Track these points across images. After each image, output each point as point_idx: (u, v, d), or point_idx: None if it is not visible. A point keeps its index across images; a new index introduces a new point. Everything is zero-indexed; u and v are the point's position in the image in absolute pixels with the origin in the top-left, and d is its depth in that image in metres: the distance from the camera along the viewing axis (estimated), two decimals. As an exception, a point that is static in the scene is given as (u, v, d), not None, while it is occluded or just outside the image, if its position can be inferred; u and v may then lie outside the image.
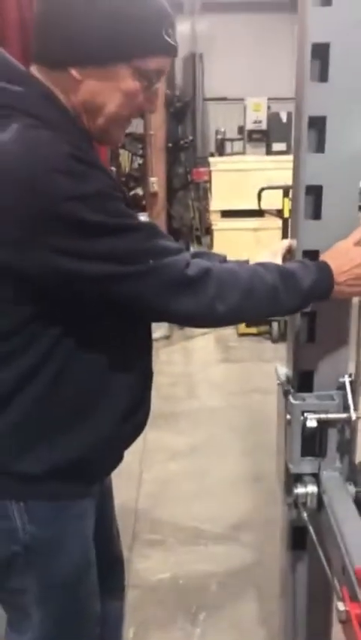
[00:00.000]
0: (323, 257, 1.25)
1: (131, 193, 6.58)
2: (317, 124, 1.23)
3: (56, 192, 0.97)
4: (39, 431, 1.16)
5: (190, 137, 7.22)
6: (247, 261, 1.38)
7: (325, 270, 1.20)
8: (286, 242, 1.40)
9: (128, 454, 1.33)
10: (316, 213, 1.29)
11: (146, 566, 2.48)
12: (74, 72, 1.06)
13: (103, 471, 1.33)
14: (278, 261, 1.37)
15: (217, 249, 5.43)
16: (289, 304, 1.20)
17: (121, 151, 7.52)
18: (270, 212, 5.06)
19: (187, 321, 1.20)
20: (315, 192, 1.28)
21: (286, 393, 1.39)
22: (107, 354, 1.17)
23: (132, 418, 1.26)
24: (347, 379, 1.35)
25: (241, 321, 1.21)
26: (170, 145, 6.15)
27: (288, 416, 1.35)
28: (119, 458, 1.32)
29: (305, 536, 1.47)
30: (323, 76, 1.20)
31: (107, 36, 1.04)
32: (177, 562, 2.51)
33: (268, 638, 2.08)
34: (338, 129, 1.22)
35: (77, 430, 1.18)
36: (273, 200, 4.79)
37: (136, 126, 5.67)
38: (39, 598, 1.23)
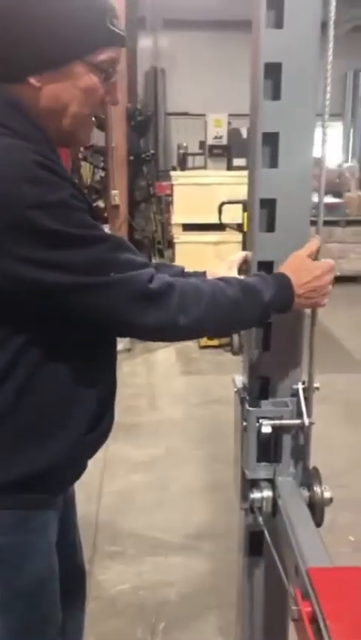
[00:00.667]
0: (281, 269, 1.27)
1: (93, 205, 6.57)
2: (271, 140, 1.28)
3: (20, 200, 0.98)
4: (3, 442, 1.17)
5: (152, 151, 7.28)
6: (204, 273, 1.42)
7: (284, 283, 1.23)
8: (243, 254, 1.45)
9: (89, 466, 1.34)
10: (270, 226, 1.34)
11: (106, 578, 2.47)
12: (32, 80, 1.09)
13: (67, 481, 1.34)
14: (234, 272, 1.41)
15: (179, 261, 5.46)
16: (250, 317, 1.24)
17: (82, 163, 7.53)
18: (230, 226, 5.14)
19: (150, 335, 1.20)
20: (269, 206, 1.32)
21: (242, 401, 1.42)
22: (74, 364, 1.18)
23: (97, 428, 1.27)
24: (300, 386, 1.39)
25: (204, 334, 1.22)
26: (132, 158, 6.19)
27: (244, 423, 1.39)
28: (83, 468, 1.33)
29: (262, 542, 1.51)
30: (275, 94, 1.25)
31: (55, 38, 1.06)
32: (137, 573, 2.51)
33: (227, 645, 2.09)
34: (290, 145, 1.27)
35: (43, 441, 1.19)
36: (233, 214, 4.86)
37: (97, 139, 5.69)
38: (1, 606, 1.23)
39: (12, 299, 1.06)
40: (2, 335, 1.10)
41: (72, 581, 1.49)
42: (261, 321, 1.28)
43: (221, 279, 1.22)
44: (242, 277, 1.28)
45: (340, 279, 6.20)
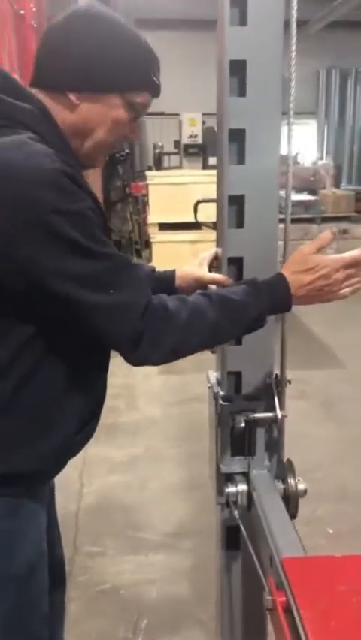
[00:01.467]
0: (284, 268, 1.23)
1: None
2: (237, 137, 1.29)
3: (43, 204, 1.02)
4: None
5: (127, 150, 7.26)
6: (173, 271, 1.43)
7: (279, 290, 1.20)
8: (213, 250, 1.46)
9: (69, 468, 1.35)
10: (239, 222, 1.35)
11: (87, 578, 2.47)
12: (72, 96, 1.16)
13: (52, 475, 1.37)
14: (204, 269, 1.43)
15: (156, 261, 5.47)
16: (234, 334, 1.26)
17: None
18: (206, 225, 5.15)
19: (132, 363, 1.18)
20: (238, 202, 1.33)
21: (216, 396, 1.43)
22: (73, 363, 1.21)
23: (86, 427, 1.30)
24: (272, 380, 1.41)
25: (181, 357, 1.19)
26: (106, 158, 6.17)
27: (218, 418, 1.40)
28: (66, 463, 1.35)
29: (238, 536, 1.52)
30: (241, 91, 1.26)
31: (106, 68, 1.16)
32: (118, 572, 2.51)
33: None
34: (256, 141, 1.28)
35: (36, 437, 1.21)
36: (209, 212, 4.87)
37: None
38: None
39: (18, 294, 1.09)
40: (7, 327, 1.13)
41: (53, 573, 1.51)
42: (251, 331, 1.26)
43: (205, 296, 1.19)
44: (228, 291, 1.23)
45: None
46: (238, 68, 1.24)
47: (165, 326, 1.12)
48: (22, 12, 3.59)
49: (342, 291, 1.21)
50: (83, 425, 1.28)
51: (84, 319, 1.10)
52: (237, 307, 1.18)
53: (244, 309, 1.18)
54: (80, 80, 1.15)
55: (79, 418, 1.26)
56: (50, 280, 1.05)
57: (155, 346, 1.12)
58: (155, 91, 1.23)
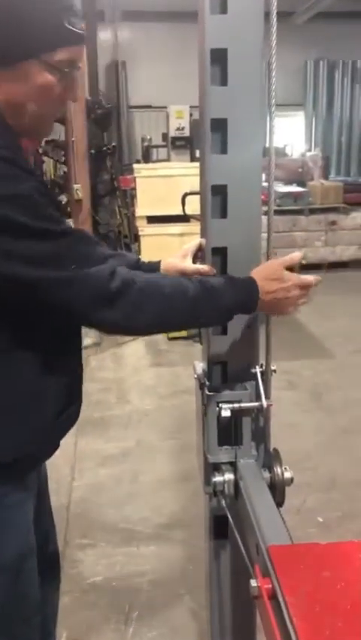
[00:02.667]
0: (253, 273, 1.29)
1: (57, 200, 6.48)
2: (220, 126, 1.28)
3: None
4: None
5: (113, 144, 7.23)
6: (158, 262, 1.44)
7: (251, 290, 1.25)
8: (197, 241, 1.46)
9: (60, 461, 1.35)
10: (222, 212, 1.35)
11: (78, 571, 2.47)
12: None
13: (39, 461, 1.38)
14: (188, 260, 1.43)
15: (145, 254, 5.46)
16: (210, 318, 1.27)
17: (45, 158, 7.45)
18: (194, 217, 5.14)
19: (108, 331, 1.24)
20: (221, 192, 1.33)
21: (202, 386, 1.43)
22: (41, 349, 1.21)
23: (66, 412, 1.31)
24: (258, 369, 1.41)
25: (163, 331, 1.27)
26: (93, 152, 6.14)
27: (204, 408, 1.40)
28: (54, 448, 1.36)
29: (227, 525, 1.52)
30: (222, 80, 1.26)
31: (11, 37, 1.07)
32: (110, 564, 2.51)
33: (199, 629, 2.12)
34: (238, 131, 1.28)
35: (13, 428, 1.22)
36: (197, 205, 4.86)
37: (59, 134, 5.65)
38: None
39: None
40: None
41: (47, 566, 1.52)
42: (222, 321, 1.31)
43: (186, 278, 1.24)
44: (207, 278, 1.28)
45: (305, 268, 6.28)
46: (219, 57, 1.24)
47: (147, 292, 1.14)
48: None
49: (290, 308, 1.30)
50: (63, 410, 1.29)
51: (52, 297, 1.09)
52: (215, 292, 1.22)
53: (221, 295, 1.22)
54: None
55: (56, 403, 1.27)
56: (8, 267, 1.04)
57: (138, 310, 1.13)
58: (76, 40, 1.11)
